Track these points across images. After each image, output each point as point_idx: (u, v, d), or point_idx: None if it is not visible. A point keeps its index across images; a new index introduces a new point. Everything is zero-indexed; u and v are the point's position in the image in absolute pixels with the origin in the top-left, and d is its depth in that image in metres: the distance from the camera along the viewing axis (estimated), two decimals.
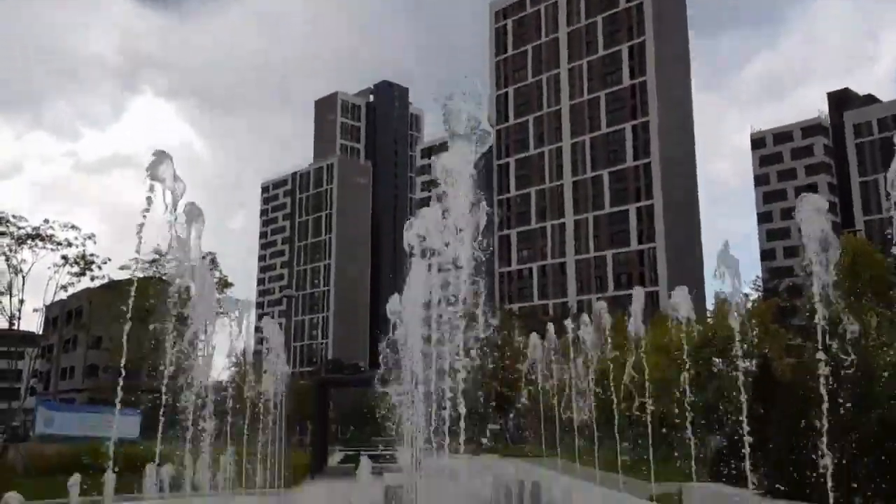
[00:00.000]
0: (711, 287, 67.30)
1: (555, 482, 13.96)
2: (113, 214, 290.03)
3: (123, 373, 7.06)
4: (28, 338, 40.48)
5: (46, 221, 33.10)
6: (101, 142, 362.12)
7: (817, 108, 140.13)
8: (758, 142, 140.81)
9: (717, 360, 33.97)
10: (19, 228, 32.02)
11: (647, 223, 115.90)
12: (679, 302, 10.59)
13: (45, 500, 16.25)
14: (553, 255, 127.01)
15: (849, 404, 13.07)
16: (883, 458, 12.24)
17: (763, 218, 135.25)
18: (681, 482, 18.46)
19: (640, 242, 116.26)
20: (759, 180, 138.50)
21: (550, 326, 19.65)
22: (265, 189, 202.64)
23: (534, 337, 21.49)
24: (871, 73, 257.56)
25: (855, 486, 12.34)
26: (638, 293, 12.90)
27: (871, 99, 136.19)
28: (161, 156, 7.32)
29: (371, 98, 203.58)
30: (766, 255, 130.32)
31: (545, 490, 14.21)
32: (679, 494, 17.08)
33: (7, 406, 38.68)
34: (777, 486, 13.24)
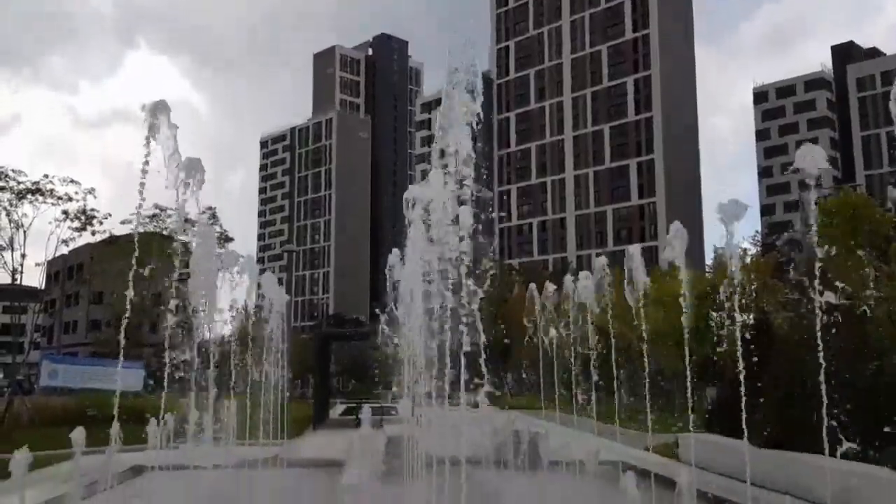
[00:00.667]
0: (711, 242, 67.44)
1: (553, 433, 14.20)
2: (112, 169, 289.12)
3: (127, 318, 7.12)
4: (31, 292, 40.62)
5: (46, 176, 32.93)
6: (98, 97, 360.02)
7: (820, 61, 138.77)
8: (760, 96, 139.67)
9: (714, 313, 34.16)
10: (19, 183, 31.90)
11: (647, 178, 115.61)
12: (675, 237, 10.60)
13: (50, 452, 16.50)
14: (553, 210, 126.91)
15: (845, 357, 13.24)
16: (878, 408, 12.45)
17: (763, 173, 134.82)
18: (677, 433, 18.76)
19: (640, 197, 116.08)
20: (761, 135, 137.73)
21: (549, 286, 19.69)
22: (264, 144, 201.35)
23: (532, 288, 21.59)
24: (876, 26, 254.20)
25: (849, 436, 12.56)
26: (635, 250, 12.99)
27: (875, 52, 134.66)
28: (158, 106, 7.29)
29: (370, 51, 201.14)
30: (765, 210, 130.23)
31: (543, 440, 14.43)
32: (675, 445, 17.38)
33: (11, 360, 39.03)
34: (772, 436, 13.47)
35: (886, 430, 11.74)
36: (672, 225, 11.06)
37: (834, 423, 12.82)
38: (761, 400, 14.09)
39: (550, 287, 19.61)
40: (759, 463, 12.55)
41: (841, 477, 10.95)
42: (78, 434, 7.47)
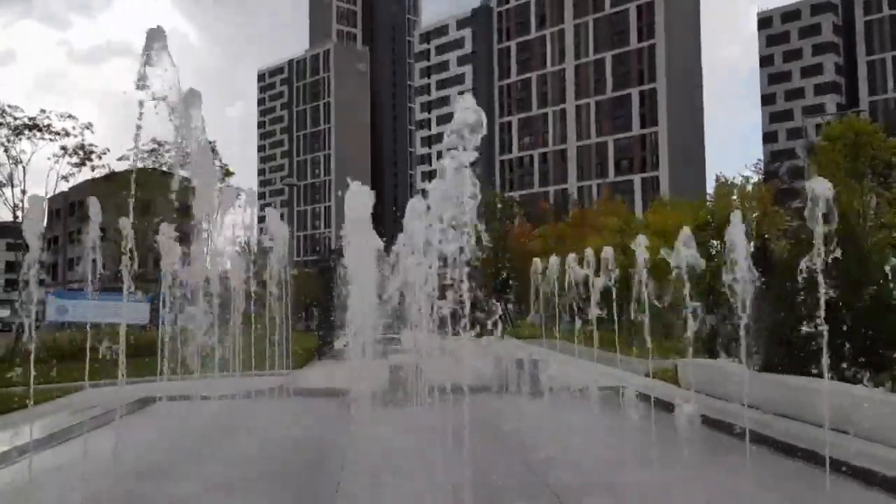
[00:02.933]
0: (712, 170, 67.19)
1: (553, 360, 14.42)
2: (108, 105, 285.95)
3: (129, 246, 7.14)
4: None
5: (43, 111, 32.60)
6: (92, 31, 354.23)
7: None
8: (765, 21, 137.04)
9: (714, 242, 34.32)
10: (15, 119, 31.60)
11: (649, 107, 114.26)
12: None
13: (60, 385, 16.83)
14: (554, 141, 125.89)
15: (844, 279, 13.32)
16: (874, 332, 12.57)
17: (766, 100, 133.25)
18: (676, 359, 19.00)
19: (642, 127, 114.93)
20: (765, 62, 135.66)
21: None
22: (261, 77, 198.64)
23: (536, 262, 21.77)
24: None
25: (847, 360, 12.74)
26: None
27: None
28: (156, 34, 7.17)
29: None
30: (767, 138, 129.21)
31: (544, 367, 14.67)
32: (674, 370, 17.62)
33: (17, 297, 39.19)
34: (770, 361, 13.65)
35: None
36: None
37: (838, 343, 13.00)
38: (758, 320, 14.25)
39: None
40: (757, 386, 12.75)
41: (838, 399, 11.15)
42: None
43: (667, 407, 9.06)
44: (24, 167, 32.10)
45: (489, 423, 13.24)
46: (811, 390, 11.96)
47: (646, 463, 6.55)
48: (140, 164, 34.53)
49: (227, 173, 45.98)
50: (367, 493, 6.48)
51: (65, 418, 12.95)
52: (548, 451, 10.74)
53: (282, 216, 22.05)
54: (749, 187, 38.66)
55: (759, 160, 77.41)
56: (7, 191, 32.60)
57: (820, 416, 7.13)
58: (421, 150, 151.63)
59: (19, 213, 32.92)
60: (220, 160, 45.17)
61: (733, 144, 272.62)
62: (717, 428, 11.42)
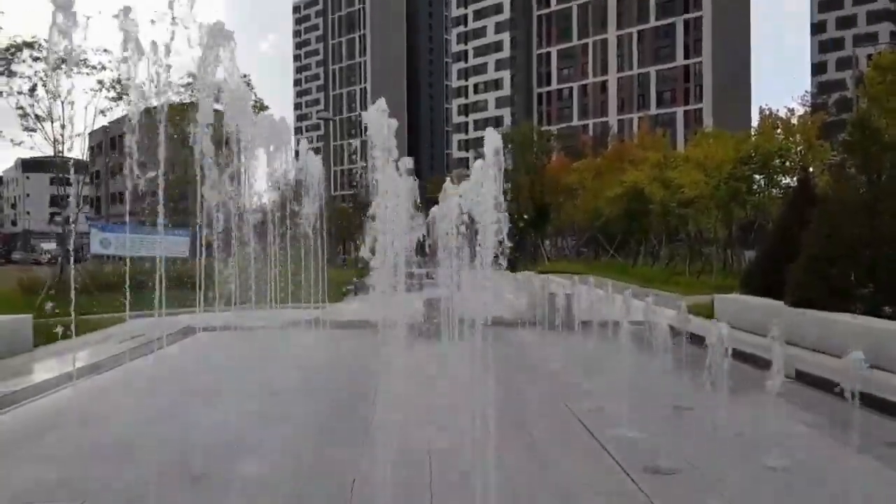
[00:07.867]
0: (757, 102, 65.36)
1: (587, 294, 14.43)
2: (142, 41, 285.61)
3: (162, 180, 7.16)
4: (77, 164, 41.33)
5: (79, 45, 32.70)
6: None
7: None
8: None
9: (756, 176, 33.63)
10: (53, 53, 31.67)
11: (694, 37, 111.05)
12: None
13: (104, 315, 17.32)
14: (595, 73, 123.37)
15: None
16: None
17: (816, 29, 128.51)
18: (713, 294, 18.91)
19: (686, 58, 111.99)
20: None
21: None
22: (296, 9, 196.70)
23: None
24: None
25: (882, 295, 12.58)
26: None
27: None
28: None
29: None
30: (817, 70, 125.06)
31: (577, 302, 14.72)
32: (711, 305, 17.55)
33: (61, 230, 40.10)
34: (806, 296, 13.52)
35: None
36: None
37: (870, 286, 12.85)
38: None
39: None
40: (792, 321, 12.65)
41: (872, 335, 11.04)
42: None
43: (700, 341, 9.06)
44: (62, 102, 32.31)
45: (519, 355, 13.41)
46: (845, 324, 11.85)
47: (669, 392, 6.58)
48: (176, 98, 34.61)
49: (262, 108, 45.91)
50: (399, 416, 6.68)
51: (111, 347, 13.40)
52: (575, 380, 10.96)
53: (318, 151, 22.02)
54: (794, 120, 37.58)
55: (807, 92, 74.98)
56: (47, 125, 32.91)
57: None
58: (457, 83, 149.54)
59: (60, 148, 33.33)
60: (255, 94, 45.12)
61: (781, 76, 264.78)
62: (750, 362, 11.42)
